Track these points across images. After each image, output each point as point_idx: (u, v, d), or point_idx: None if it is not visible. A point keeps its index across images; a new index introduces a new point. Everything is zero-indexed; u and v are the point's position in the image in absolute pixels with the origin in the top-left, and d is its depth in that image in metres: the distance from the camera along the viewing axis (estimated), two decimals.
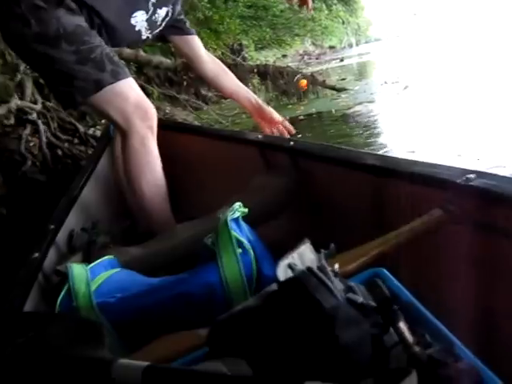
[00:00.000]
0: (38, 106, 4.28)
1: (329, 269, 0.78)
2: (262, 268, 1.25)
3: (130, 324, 1.23)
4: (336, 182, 1.72)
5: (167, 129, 2.28)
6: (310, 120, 6.79)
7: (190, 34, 2.36)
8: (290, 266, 0.81)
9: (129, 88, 1.94)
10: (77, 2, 1.86)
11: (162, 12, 2.13)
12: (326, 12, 16.86)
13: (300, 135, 5.75)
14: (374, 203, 1.54)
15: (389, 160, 1.48)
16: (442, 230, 1.19)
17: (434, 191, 1.24)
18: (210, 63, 2.42)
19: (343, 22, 17.57)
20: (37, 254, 1.63)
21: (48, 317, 0.96)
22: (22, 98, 4.30)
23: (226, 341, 0.80)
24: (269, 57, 24.72)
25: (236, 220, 1.32)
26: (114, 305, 1.25)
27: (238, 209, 1.35)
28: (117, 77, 1.87)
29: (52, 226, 1.84)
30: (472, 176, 1.15)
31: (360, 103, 6.98)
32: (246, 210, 1.36)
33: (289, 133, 2.46)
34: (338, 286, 0.76)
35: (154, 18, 2.09)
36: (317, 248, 1.65)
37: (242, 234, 1.30)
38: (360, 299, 0.74)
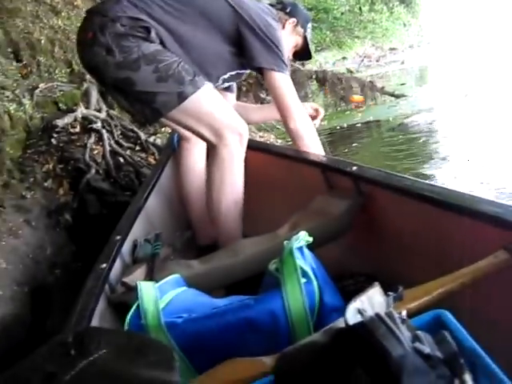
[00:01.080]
0: (103, 115, 4.39)
1: (397, 316, 0.78)
2: (323, 296, 1.26)
3: (195, 346, 1.26)
4: (398, 212, 1.71)
5: None
6: (367, 128, 6.73)
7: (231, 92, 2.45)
8: (360, 311, 0.82)
9: (210, 95, 2.02)
10: (160, 40, 1.97)
11: (225, 84, 2.26)
12: (387, 14, 16.63)
13: (354, 144, 5.73)
14: (436, 238, 1.51)
15: (454, 194, 1.44)
16: (505, 271, 1.17)
17: (499, 231, 1.22)
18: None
19: (404, 24, 17.30)
20: (104, 265, 1.71)
21: (120, 335, 0.98)
22: (87, 106, 4.43)
23: (293, 372, 0.82)
24: (328, 58, 24.54)
25: (300, 248, 1.33)
26: (180, 325, 1.28)
27: (303, 237, 1.36)
28: (196, 85, 1.96)
29: (118, 237, 1.92)
30: None
31: (418, 112, 6.85)
32: (311, 239, 1.37)
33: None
34: (405, 334, 0.75)
35: (216, 86, 2.18)
36: (375, 278, 1.65)
37: (306, 262, 1.31)
38: (427, 350, 0.73)
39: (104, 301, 1.60)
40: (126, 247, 1.96)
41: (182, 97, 1.93)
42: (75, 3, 5.60)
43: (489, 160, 4.25)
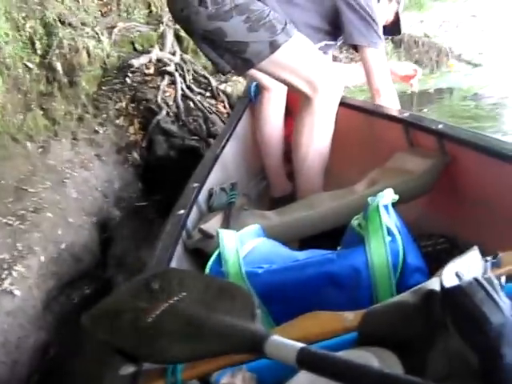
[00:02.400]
0: (177, 58, 4.41)
1: (496, 282, 0.75)
2: (406, 256, 1.24)
3: (275, 297, 1.26)
4: (485, 173, 1.65)
5: None
6: (439, 94, 6.52)
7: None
8: (457, 275, 0.79)
9: (303, 44, 2.00)
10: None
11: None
12: None
13: (426, 109, 5.57)
14: None
15: None
16: None
17: None
18: None
19: None
20: (182, 211, 1.74)
21: (202, 278, 0.99)
22: (162, 49, 4.45)
23: (379, 331, 0.81)
24: (406, 19, 23.77)
25: (386, 206, 1.30)
26: (261, 275, 1.28)
27: (390, 194, 1.33)
28: (289, 33, 1.93)
29: (195, 184, 1.95)
30: None
31: (493, 83, 6.58)
32: (397, 197, 1.34)
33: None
34: (505, 301, 0.72)
35: None
36: (455, 240, 1.62)
37: (391, 220, 1.29)
38: None
39: (181, 246, 1.64)
40: (203, 195, 1.99)
41: (274, 46, 1.90)
42: None
43: None
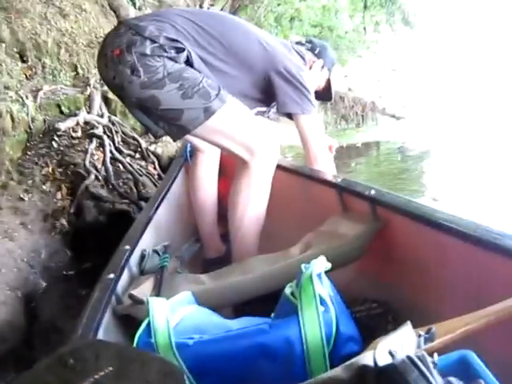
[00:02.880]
0: (105, 120, 4.38)
1: (429, 359, 0.75)
2: (339, 325, 1.24)
3: (206, 370, 1.24)
4: (416, 240, 1.68)
5: None
6: (366, 148, 6.74)
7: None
8: (391, 352, 0.80)
9: (237, 109, 2.01)
10: (188, 63, 1.96)
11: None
12: (391, 35, 16.73)
13: (354, 163, 5.74)
14: (455, 271, 1.49)
15: (475, 227, 1.40)
16: None
17: None
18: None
19: (408, 46, 17.39)
20: (112, 275, 1.69)
21: (131, 353, 0.95)
22: (89, 111, 4.42)
23: None
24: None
25: (319, 275, 1.30)
26: (191, 347, 1.25)
27: (323, 263, 1.33)
28: (223, 99, 1.94)
29: (127, 247, 1.90)
30: None
31: (417, 136, 6.87)
32: (330, 265, 1.34)
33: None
34: (438, 380, 0.73)
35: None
36: (388, 306, 1.63)
37: (324, 290, 1.29)
38: None
39: (111, 312, 1.59)
40: (134, 257, 1.94)
41: (208, 112, 1.91)
42: (83, 7, 5.58)
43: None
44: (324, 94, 2.45)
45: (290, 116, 2.21)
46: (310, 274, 1.26)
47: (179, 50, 1.91)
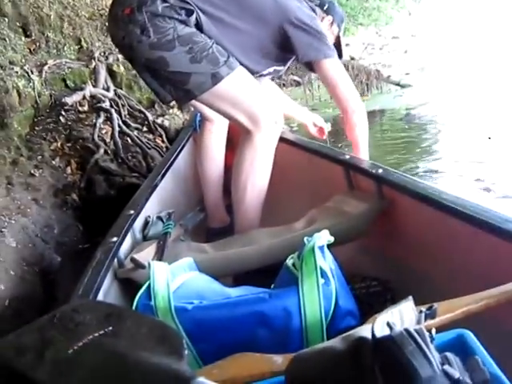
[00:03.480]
0: (111, 94, 4.36)
1: (427, 334, 0.75)
2: (339, 299, 1.26)
3: (203, 335, 1.25)
4: (420, 220, 1.69)
5: None
6: (372, 117, 6.69)
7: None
8: (389, 325, 0.80)
9: (245, 78, 2.00)
10: (197, 26, 1.94)
11: (262, 79, 2.24)
12: (393, 2, 16.56)
13: None
14: (458, 252, 1.50)
15: (481, 210, 1.40)
16: None
17: None
18: None
19: (409, 13, 17.22)
20: (114, 239, 1.70)
21: (130, 315, 0.95)
22: (95, 85, 4.39)
23: (307, 377, 0.80)
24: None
25: (321, 247, 1.31)
26: (190, 312, 1.26)
27: (325, 236, 1.34)
28: (231, 66, 1.94)
29: (131, 212, 1.91)
30: None
31: (423, 103, 6.82)
32: (333, 238, 1.35)
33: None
34: (435, 354, 0.73)
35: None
36: (388, 284, 1.64)
37: (326, 262, 1.29)
38: (457, 374, 0.72)
39: (112, 275, 1.61)
40: (138, 223, 1.96)
41: (216, 78, 1.91)
42: None
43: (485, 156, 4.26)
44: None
45: (312, 68, 2.16)
46: (313, 246, 1.27)
47: (189, 12, 1.90)
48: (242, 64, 2.00)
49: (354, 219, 1.80)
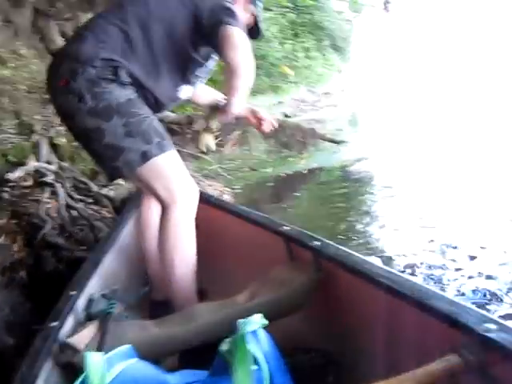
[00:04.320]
0: (54, 167, 4.35)
1: None
2: (273, 380, 1.29)
3: None
4: (355, 293, 1.74)
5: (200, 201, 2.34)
6: (311, 175, 6.88)
7: None
8: None
9: (172, 160, 2.06)
10: (131, 78, 1.99)
11: (199, 81, 2.32)
12: (322, 61, 17.22)
13: (298, 194, 5.85)
14: (390, 327, 1.54)
15: (412, 286, 1.47)
16: (454, 377, 1.18)
17: (452, 332, 1.24)
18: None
19: (339, 71, 17.94)
20: (54, 323, 1.68)
21: None
22: (38, 159, 4.38)
23: None
24: (264, 102, 24.84)
25: (255, 332, 1.35)
26: None
27: (259, 321, 1.38)
28: (163, 149, 1.99)
29: (73, 293, 1.90)
30: (492, 327, 1.15)
31: (360, 159, 7.08)
32: (266, 322, 1.39)
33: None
34: None
35: (193, 86, 2.26)
36: (331, 355, 1.69)
37: (258, 347, 1.33)
38: None
39: (52, 361, 1.57)
40: (81, 302, 1.92)
41: (145, 157, 1.96)
42: (21, 52, 5.55)
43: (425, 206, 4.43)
44: (252, 31, 2.41)
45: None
46: (243, 334, 1.31)
47: (117, 70, 1.96)
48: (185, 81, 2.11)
49: (294, 292, 1.83)
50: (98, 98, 1.92)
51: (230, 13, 2.06)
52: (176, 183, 2.05)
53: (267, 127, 2.64)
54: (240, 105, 2.09)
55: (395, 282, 1.50)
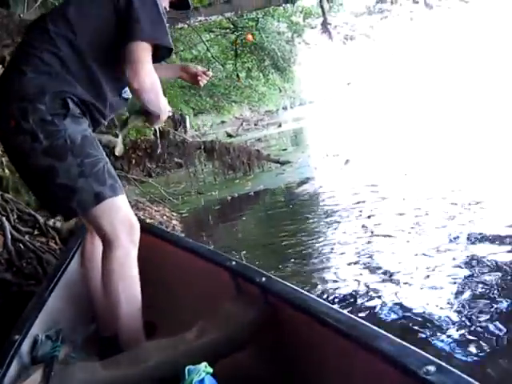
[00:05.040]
0: None
1: None
2: None
3: None
4: (303, 330, 1.76)
5: (146, 232, 2.34)
6: (256, 198, 6.90)
7: None
8: None
9: (122, 203, 2.06)
10: (80, 107, 1.98)
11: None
12: (263, 80, 17.43)
13: (244, 218, 5.87)
14: (334, 365, 1.60)
15: (359, 327, 1.50)
16: None
17: (394, 373, 1.29)
18: None
19: (280, 90, 18.18)
20: None
21: None
22: None
23: None
24: (207, 121, 24.99)
25: (202, 380, 1.41)
26: None
27: (204, 369, 1.43)
28: (115, 191, 1.99)
29: (16, 337, 1.84)
30: (432, 369, 1.19)
31: (305, 180, 7.20)
32: (211, 370, 1.44)
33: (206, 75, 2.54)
34: None
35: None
36: None
37: None
38: None
39: None
40: (26, 345, 1.87)
41: (98, 198, 1.95)
42: None
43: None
44: (182, 3, 2.39)
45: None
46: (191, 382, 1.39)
47: (66, 102, 1.93)
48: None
49: (242, 328, 1.85)
50: (52, 136, 1.88)
51: (143, 17, 1.96)
52: (122, 225, 2.04)
53: (203, 80, 2.57)
54: (162, 111, 2.09)
55: (341, 321, 1.55)
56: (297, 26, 14.69)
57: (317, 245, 4.24)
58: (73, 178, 1.91)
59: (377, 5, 11.12)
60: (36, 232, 4.29)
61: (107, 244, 2.06)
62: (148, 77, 1.97)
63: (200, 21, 6.56)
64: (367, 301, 2.95)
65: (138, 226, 2.11)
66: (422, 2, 10.48)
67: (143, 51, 1.96)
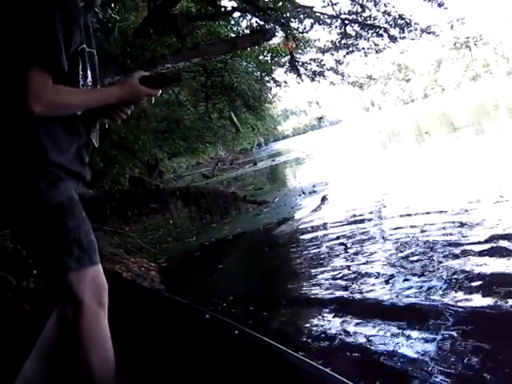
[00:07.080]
0: None
1: None
2: None
3: None
4: None
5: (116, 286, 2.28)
6: (233, 243, 6.81)
7: None
8: None
9: (89, 273, 1.96)
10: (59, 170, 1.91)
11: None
12: (236, 120, 17.51)
13: (221, 266, 5.78)
14: None
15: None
16: None
17: None
18: None
19: (252, 128, 18.26)
20: None
21: None
22: None
23: None
24: (182, 163, 25.03)
25: None
26: None
27: None
28: (83, 264, 1.92)
29: None
30: None
31: (283, 221, 7.15)
32: None
33: None
34: None
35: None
36: None
37: None
38: None
39: None
40: None
41: (62, 268, 1.90)
42: None
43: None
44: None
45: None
46: None
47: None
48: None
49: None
50: (27, 202, 1.85)
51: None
52: (89, 290, 1.96)
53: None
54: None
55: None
56: (265, 65, 14.80)
57: (297, 293, 4.20)
58: (40, 245, 1.89)
59: (342, 40, 11.24)
60: (9, 295, 4.17)
61: (74, 307, 1.96)
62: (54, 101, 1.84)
63: (167, 68, 6.55)
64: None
65: (105, 286, 2.05)
66: (386, 36, 10.61)
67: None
